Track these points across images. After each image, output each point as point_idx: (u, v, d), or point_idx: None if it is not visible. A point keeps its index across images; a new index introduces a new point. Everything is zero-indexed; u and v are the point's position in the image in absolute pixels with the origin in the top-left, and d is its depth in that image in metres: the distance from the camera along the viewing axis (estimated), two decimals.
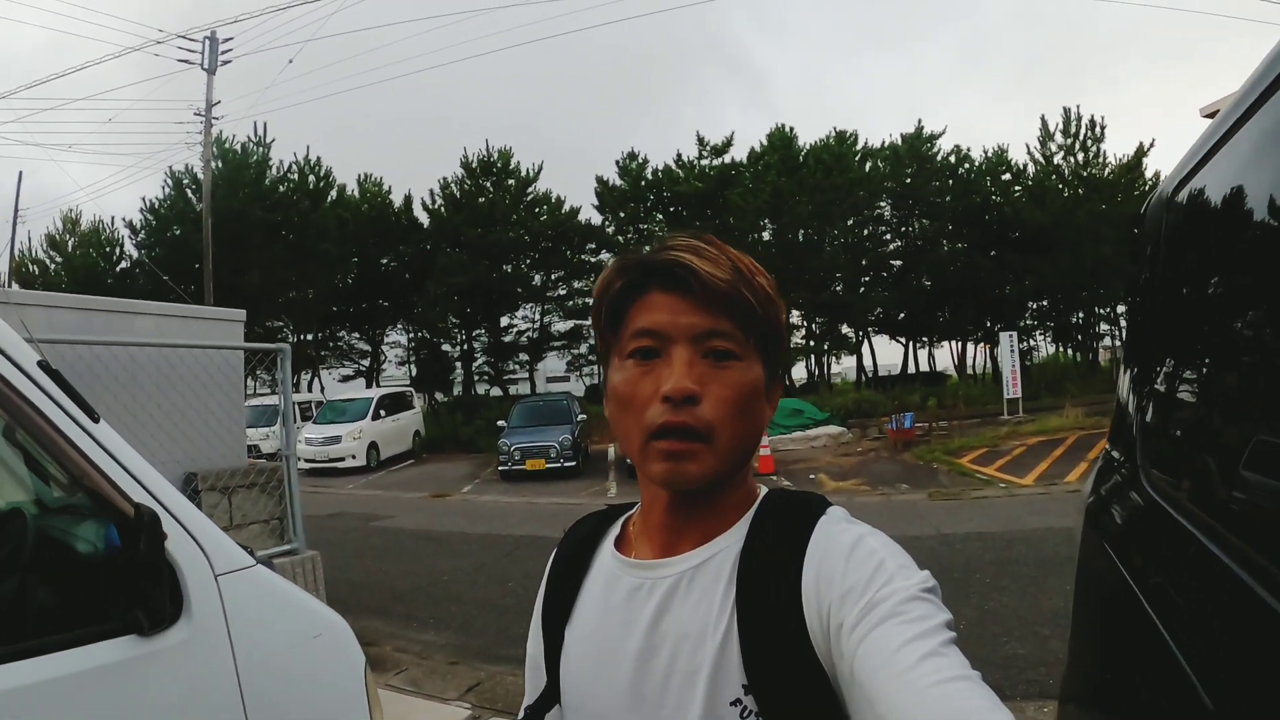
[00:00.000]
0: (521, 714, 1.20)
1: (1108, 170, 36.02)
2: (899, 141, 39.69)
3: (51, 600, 2.24)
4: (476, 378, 44.20)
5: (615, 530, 1.25)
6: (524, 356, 45.23)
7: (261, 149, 38.84)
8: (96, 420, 2.16)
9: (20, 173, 40.32)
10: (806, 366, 47.01)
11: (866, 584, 0.94)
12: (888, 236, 41.07)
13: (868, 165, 39.21)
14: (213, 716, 2.26)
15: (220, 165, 35.09)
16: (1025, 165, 38.73)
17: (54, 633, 2.05)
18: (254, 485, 6.57)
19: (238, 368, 6.66)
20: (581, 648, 1.15)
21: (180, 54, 28.12)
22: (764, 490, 1.15)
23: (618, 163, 43.07)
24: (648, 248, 1.12)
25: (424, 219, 42.58)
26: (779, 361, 1.14)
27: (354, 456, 24.76)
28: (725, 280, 1.03)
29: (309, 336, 40.50)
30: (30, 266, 40.54)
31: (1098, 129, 36.30)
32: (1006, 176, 39.15)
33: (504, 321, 43.63)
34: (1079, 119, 36.55)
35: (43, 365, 2.12)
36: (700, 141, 41.80)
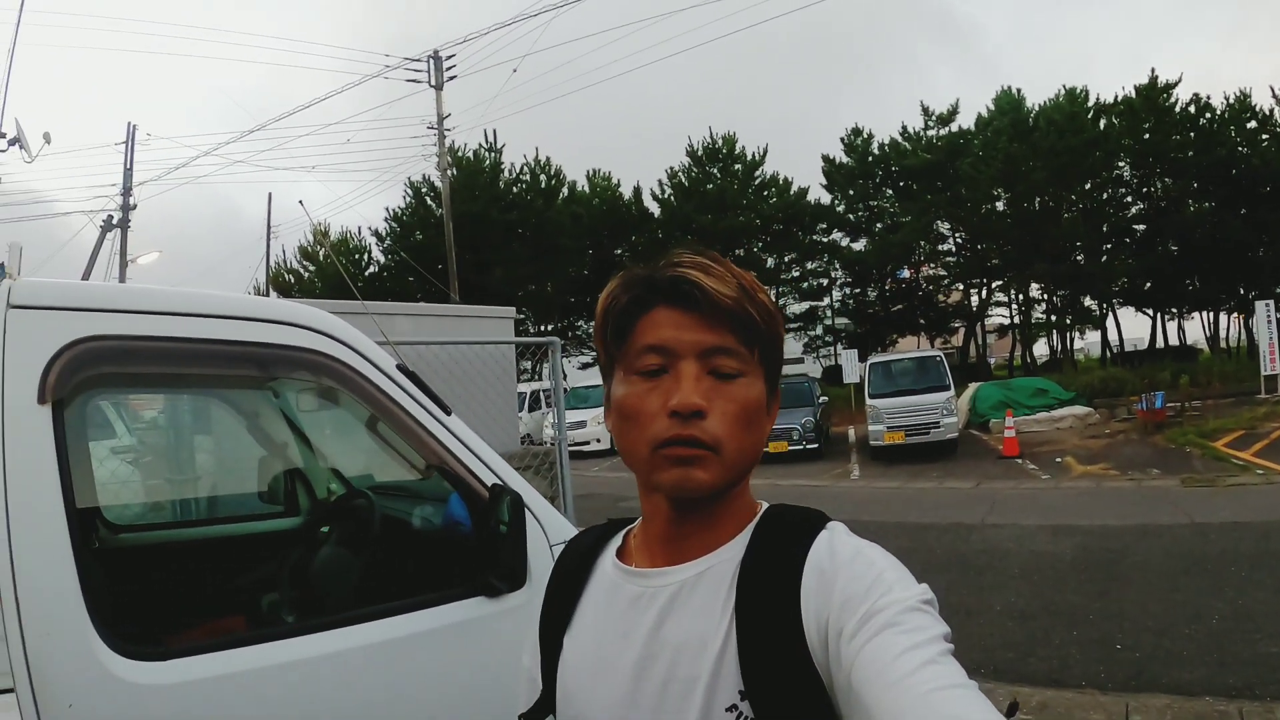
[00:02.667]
0: None
1: None
2: (1133, 94, 36.58)
3: (419, 567, 2.62)
4: None
5: (616, 542, 1.26)
6: None
7: (494, 154, 40.91)
8: (449, 413, 2.49)
9: (270, 194, 43.68)
10: (1049, 343, 45.24)
11: (866, 593, 0.95)
12: (1128, 199, 38.48)
13: (1102, 122, 36.73)
14: None
15: (456, 173, 36.68)
16: (1271, 110, 34.62)
17: (420, 594, 2.42)
18: (528, 467, 6.98)
19: (511, 359, 7.16)
20: (579, 656, 1.16)
21: (409, 75, 29.60)
22: (764, 505, 1.16)
23: (843, 139, 42.66)
24: (651, 265, 1.12)
25: (654, 209, 43.54)
26: (778, 376, 1.16)
27: (598, 440, 25.44)
28: (731, 297, 1.05)
29: (548, 327, 41.93)
30: (286, 276, 43.77)
31: None
32: (1252, 124, 35.24)
33: None
34: None
35: (401, 368, 2.47)
36: (925, 111, 40.99)
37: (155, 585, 3.03)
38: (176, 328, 2.13)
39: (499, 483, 2.46)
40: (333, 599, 2.64)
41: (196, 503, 4.55)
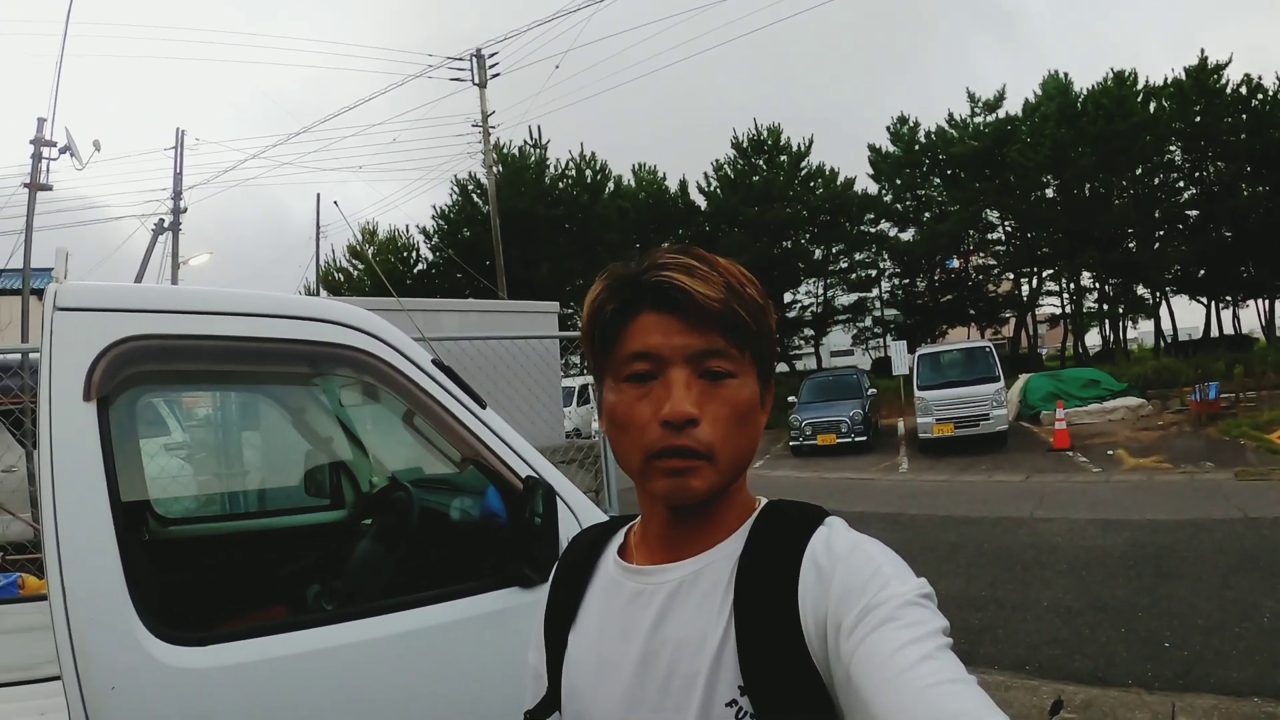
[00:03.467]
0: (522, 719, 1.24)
1: None
2: (1182, 77, 35.69)
3: (456, 558, 2.67)
4: None
5: (619, 539, 1.26)
6: (809, 331, 45.35)
7: (539, 150, 41.22)
8: (484, 407, 2.55)
9: (319, 194, 44.35)
10: (1101, 333, 44.63)
11: (864, 587, 0.95)
12: (1180, 184, 37.61)
13: (1151, 106, 35.90)
14: None
15: (501, 169, 36.92)
16: None
17: (456, 584, 2.48)
18: (573, 461, 7.07)
19: (555, 353, 7.25)
20: (583, 653, 1.17)
21: (452, 74, 29.88)
22: (763, 500, 1.16)
23: (889, 128, 42.55)
24: (635, 266, 1.09)
25: (701, 202, 43.58)
26: (771, 369, 1.14)
27: None
28: (718, 299, 1.02)
29: None
30: (336, 275, 44.35)
31: None
32: None
33: (787, 297, 43.83)
34: None
35: (436, 362, 2.52)
36: (971, 98, 40.53)
37: (202, 575, 3.12)
38: (217, 327, 2.20)
39: (533, 475, 2.50)
40: (372, 588, 2.70)
41: (245, 496, 4.66)
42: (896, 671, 0.85)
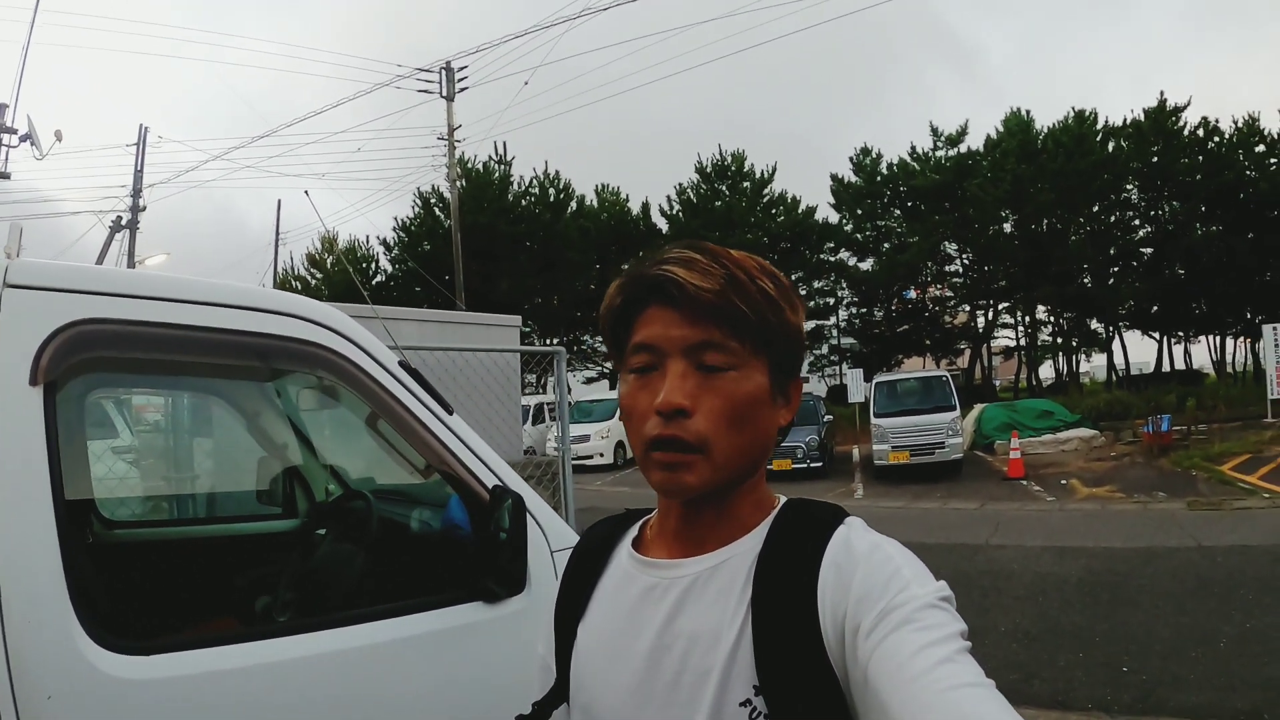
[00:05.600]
0: (529, 710, 1.21)
1: None
2: (1141, 117, 36.51)
3: (416, 570, 2.56)
4: None
5: (633, 532, 1.26)
6: None
7: (503, 167, 41.20)
8: (451, 412, 2.44)
9: (279, 201, 44.04)
10: (1054, 365, 45.24)
11: (883, 589, 0.94)
12: (1136, 222, 38.51)
13: (1110, 145, 36.67)
14: None
15: (465, 184, 36.83)
16: None
17: (416, 597, 2.36)
18: (530, 478, 6.90)
19: (515, 367, 7.15)
20: (592, 645, 1.16)
21: (420, 85, 29.78)
22: (782, 499, 1.16)
23: (851, 159, 43.00)
24: (648, 261, 1.10)
25: (662, 225, 43.71)
26: (793, 362, 1.13)
27: (601, 455, 25.45)
28: (712, 291, 1.02)
29: (554, 340, 42.03)
30: (293, 283, 44.01)
31: None
32: (1260, 148, 35.08)
33: None
34: None
35: (403, 364, 2.42)
36: (934, 132, 41.16)
37: (147, 581, 2.98)
38: (175, 314, 2.07)
39: (500, 485, 2.40)
40: (326, 600, 2.59)
41: (194, 501, 4.52)
42: (915, 674, 0.84)
